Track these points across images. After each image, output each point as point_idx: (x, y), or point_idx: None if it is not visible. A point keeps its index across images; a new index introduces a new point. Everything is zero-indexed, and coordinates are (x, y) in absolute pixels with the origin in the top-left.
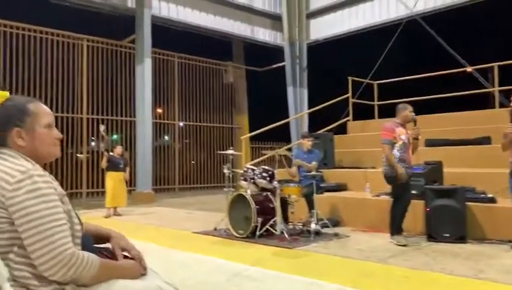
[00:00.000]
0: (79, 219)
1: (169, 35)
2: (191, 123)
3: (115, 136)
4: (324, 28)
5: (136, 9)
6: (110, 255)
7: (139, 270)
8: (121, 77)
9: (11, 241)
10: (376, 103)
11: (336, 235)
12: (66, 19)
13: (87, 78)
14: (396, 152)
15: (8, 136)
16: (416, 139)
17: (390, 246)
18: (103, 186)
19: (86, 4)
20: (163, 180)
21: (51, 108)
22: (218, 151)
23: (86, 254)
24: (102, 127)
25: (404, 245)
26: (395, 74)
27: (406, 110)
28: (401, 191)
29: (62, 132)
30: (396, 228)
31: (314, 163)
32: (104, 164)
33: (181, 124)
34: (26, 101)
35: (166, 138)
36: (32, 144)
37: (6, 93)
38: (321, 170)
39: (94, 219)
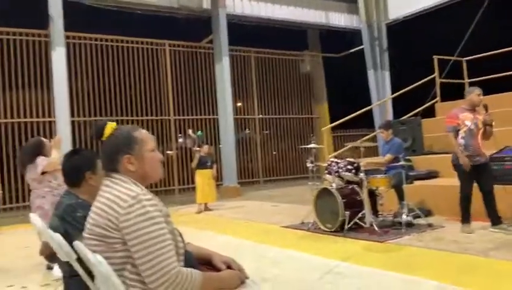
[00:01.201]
0: (181, 236)
1: (244, 31)
2: (270, 116)
3: (199, 133)
4: (403, 6)
5: (211, 10)
6: (211, 267)
7: (239, 279)
8: (202, 77)
9: (124, 259)
10: (466, 80)
11: (430, 225)
12: (147, 26)
13: (171, 81)
14: (460, 139)
15: (119, 163)
16: (488, 125)
17: (490, 237)
18: (193, 182)
19: (165, 10)
20: (248, 174)
21: (140, 112)
22: (301, 146)
23: (190, 270)
24: (190, 131)
25: (469, 233)
26: (485, 49)
27: (471, 94)
28: (461, 179)
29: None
30: (462, 216)
31: (388, 156)
32: (194, 163)
33: (260, 116)
34: (132, 130)
35: (247, 131)
36: (142, 168)
37: (114, 124)
38: (409, 157)
39: (186, 214)
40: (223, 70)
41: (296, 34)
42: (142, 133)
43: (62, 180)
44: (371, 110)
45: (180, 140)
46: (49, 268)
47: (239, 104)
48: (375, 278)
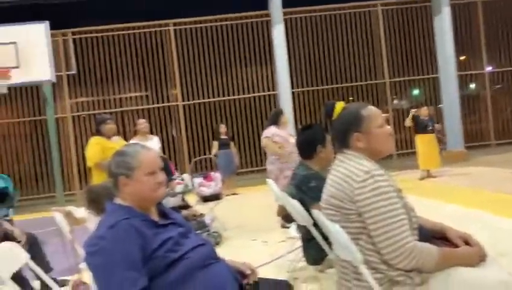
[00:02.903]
0: (414, 211)
1: None
2: (503, 69)
3: (416, 92)
4: None
5: None
6: (449, 243)
7: (479, 258)
8: (417, 34)
9: (360, 229)
10: None
11: None
12: None
13: (385, 43)
14: None
15: (349, 140)
16: None
17: None
18: (412, 146)
19: None
20: (476, 136)
21: (354, 78)
22: None
23: (425, 245)
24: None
25: None
26: None
27: None
28: None
29: (367, 98)
30: None
31: None
32: (408, 122)
33: (490, 70)
34: (360, 108)
35: (472, 86)
36: (371, 145)
37: (343, 103)
38: None
39: (407, 181)
40: (443, 23)
41: None
42: (370, 110)
43: (289, 150)
44: None
45: (395, 102)
46: (284, 227)
47: (462, 57)
48: None
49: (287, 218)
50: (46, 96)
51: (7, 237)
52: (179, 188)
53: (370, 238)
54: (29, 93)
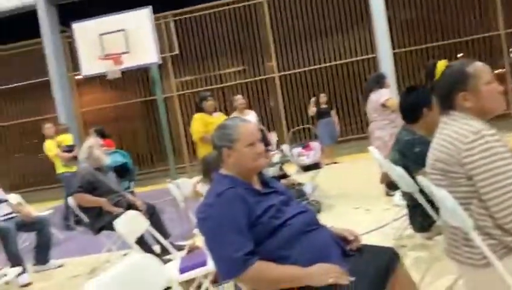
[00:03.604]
0: None
1: None
2: None
3: None
4: None
5: None
6: None
7: None
8: None
9: (469, 194)
10: None
11: None
12: None
13: None
14: None
15: (454, 101)
16: None
17: None
18: None
19: None
20: None
21: (463, 33)
22: None
23: None
24: None
25: None
26: None
27: None
28: None
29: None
30: None
31: None
32: None
33: None
34: (464, 65)
35: None
36: (479, 103)
37: (445, 62)
38: None
39: None
40: None
41: None
42: (476, 67)
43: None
44: None
45: None
46: (388, 195)
47: None
48: None
49: (390, 185)
50: (154, 77)
51: (130, 206)
52: (276, 158)
53: (482, 202)
54: (139, 76)
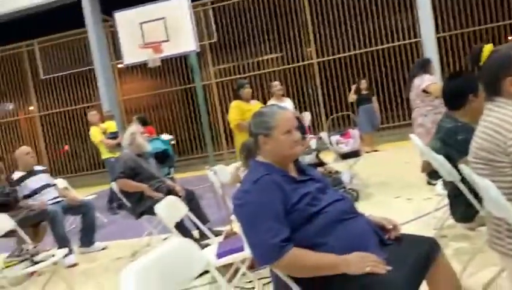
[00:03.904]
0: None
1: None
2: None
3: None
4: None
5: None
6: None
7: None
8: None
9: None
10: None
11: None
12: None
13: None
14: None
15: (501, 86)
16: None
17: None
18: None
19: None
20: None
21: (507, 15)
22: None
23: None
24: None
25: None
26: None
27: None
28: None
29: None
30: None
31: None
32: None
33: None
34: (510, 49)
35: None
36: None
37: (490, 46)
38: None
39: None
40: None
41: None
42: None
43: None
44: None
45: None
46: (429, 184)
47: None
48: None
49: (432, 174)
50: (193, 65)
51: (170, 192)
52: (313, 144)
53: None
54: (178, 64)
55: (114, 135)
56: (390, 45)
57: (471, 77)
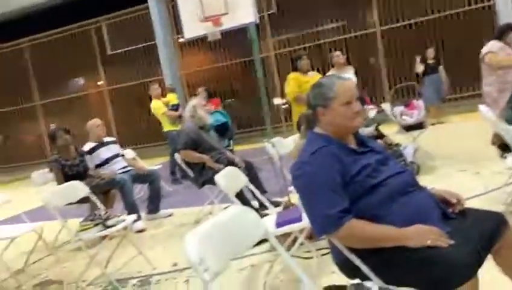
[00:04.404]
0: None
1: None
2: None
3: None
4: None
5: None
6: None
7: None
8: None
9: None
10: None
11: None
12: None
13: None
14: None
15: None
16: None
17: None
18: None
19: None
20: None
21: None
22: None
23: None
24: None
25: None
26: None
27: None
28: None
29: None
30: None
31: None
32: None
33: None
34: None
35: None
36: None
37: None
38: None
39: None
40: None
41: None
42: None
43: None
44: None
45: None
46: (502, 157)
47: None
48: None
49: (503, 147)
50: (252, 37)
51: (230, 163)
52: (371, 113)
53: None
54: (238, 36)
55: (175, 108)
56: (460, 9)
57: None
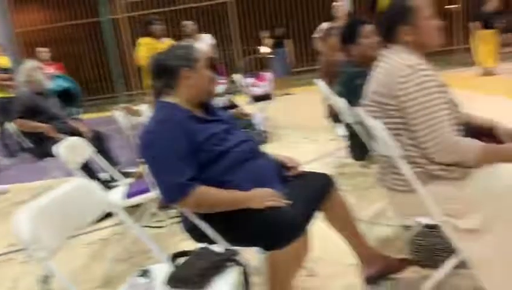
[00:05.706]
0: (458, 106)
1: None
2: None
3: None
4: None
5: None
6: (496, 140)
7: None
8: None
9: (400, 125)
10: None
11: None
12: None
13: None
14: None
15: (395, 34)
16: None
17: None
18: None
19: None
20: None
21: None
22: None
23: (466, 140)
24: None
25: None
26: None
27: None
28: None
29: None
30: None
31: None
32: None
33: None
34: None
35: None
36: (418, 38)
37: None
38: None
39: (471, 78)
40: None
41: None
42: (417, 1)
43: None
44: None
45: None
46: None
47: None
48: None
49: (334, 118)
50: None
51: (74, 133)
52: (220, 88)
53: (411, 133)
54: None
55: (5, 71)
56: None
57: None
